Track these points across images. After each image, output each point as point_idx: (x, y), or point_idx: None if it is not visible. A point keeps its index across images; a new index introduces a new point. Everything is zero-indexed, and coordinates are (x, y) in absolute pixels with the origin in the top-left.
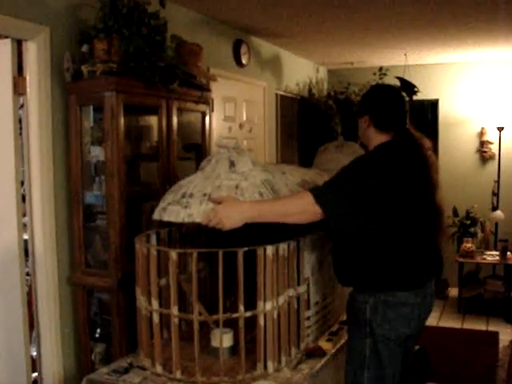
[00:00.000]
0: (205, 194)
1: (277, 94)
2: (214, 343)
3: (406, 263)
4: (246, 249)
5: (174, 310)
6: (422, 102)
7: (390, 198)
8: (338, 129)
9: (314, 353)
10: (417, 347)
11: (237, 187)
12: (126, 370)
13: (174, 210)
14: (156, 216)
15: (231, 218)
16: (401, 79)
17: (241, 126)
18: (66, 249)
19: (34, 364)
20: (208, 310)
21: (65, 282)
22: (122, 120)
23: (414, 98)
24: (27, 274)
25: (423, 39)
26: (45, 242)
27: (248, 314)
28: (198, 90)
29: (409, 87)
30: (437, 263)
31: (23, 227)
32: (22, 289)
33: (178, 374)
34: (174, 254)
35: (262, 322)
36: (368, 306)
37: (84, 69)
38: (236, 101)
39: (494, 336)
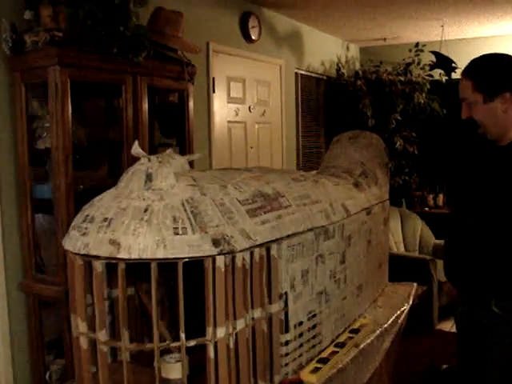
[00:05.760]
0: (105, 219)
1: (297, 74)
2: (164, 373)
3: None
4: (187, 259)
5: (101, 336)
6: None
7: None
8: (368, 112)
9: None
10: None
11: (146, 210)
12: None
13: (73, 236)
14: (63, 242)
15: None
16: (436, 54)
17: (250, 108)
18: (18, 251)
19: None
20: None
21: (16, 290)
22: (69, 99)
23: (453, 75)
24: None
25: (463, 8)
26: None
27: (192, 343)
28: (178, 64)
29: (446, 63)
30: None
31: None
32: None
33: None
34: (98, 265)
35: (211, 353)
36: None
37: (28, 39)
38: (245, 80)
39: None
